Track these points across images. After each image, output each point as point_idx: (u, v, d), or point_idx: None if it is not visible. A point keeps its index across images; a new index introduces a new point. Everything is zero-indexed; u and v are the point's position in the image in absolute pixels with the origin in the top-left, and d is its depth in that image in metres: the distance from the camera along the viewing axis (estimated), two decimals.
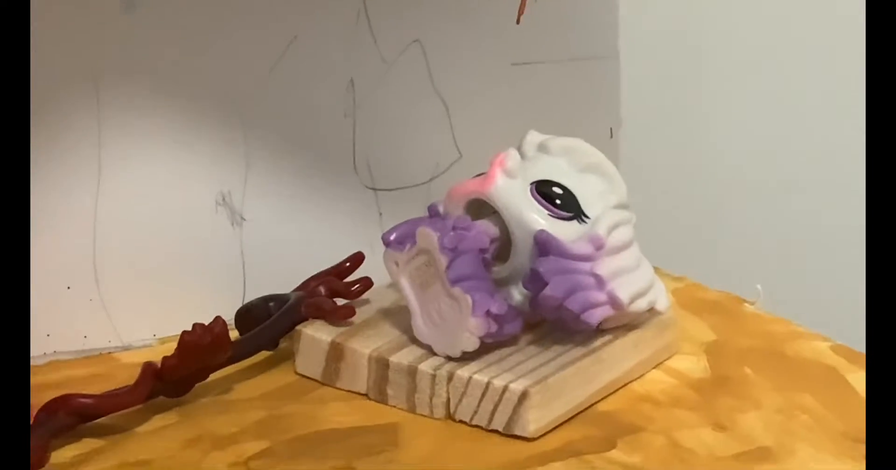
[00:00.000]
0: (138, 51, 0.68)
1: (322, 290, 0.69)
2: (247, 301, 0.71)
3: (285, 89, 0.72)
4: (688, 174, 0.96)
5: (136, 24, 0.67)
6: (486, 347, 0.62)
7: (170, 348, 0.62)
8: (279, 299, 0.69)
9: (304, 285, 0.70)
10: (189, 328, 0.61)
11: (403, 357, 0.63)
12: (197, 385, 0.64)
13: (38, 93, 0.65)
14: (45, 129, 0.66)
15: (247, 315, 0.69)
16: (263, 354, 0.68)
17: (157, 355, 0.62)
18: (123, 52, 0.68)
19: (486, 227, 0.64)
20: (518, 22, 0.78)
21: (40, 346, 0.68)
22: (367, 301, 0.69)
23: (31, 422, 0.59)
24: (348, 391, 0.65)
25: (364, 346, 0.64)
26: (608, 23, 0.82)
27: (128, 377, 0.62)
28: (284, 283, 0.71)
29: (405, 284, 0.64)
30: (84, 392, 0.60)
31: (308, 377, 0.66)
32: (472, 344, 0.61)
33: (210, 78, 0.70)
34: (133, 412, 0.62)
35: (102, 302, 0.70)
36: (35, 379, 0.63)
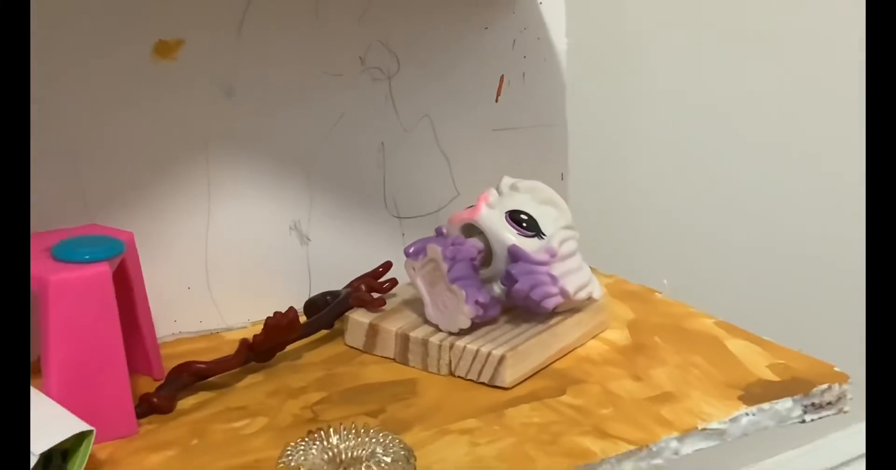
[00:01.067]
0: (236, 124, 0.68)
1: (363, 287, 0.69)
2: (311, 295, 0.71)
3: (336, 150, 0.72)
4: (616, 204, 0.96)
5: (234, 105, 0.68)
6: (476, 326, 0.63)
7: (258, 329, 0.62)
8: (334, 294, 0.69)
9: (350, 284, 0.70)
10: (272, 315, 0.62)
11: (419, 333, 0.63)
12: (277, 354, 0.64)
13: (164, 155, 0.66)
14: (171, 180, 0.67)
15: (311, 305, 0.69)
16: (323, 332, 0.68)
17: (249, 333, 0.63)
18: (225, 125, 0.68)
19: (475, 243, 0.64)
20: (496, 100, 0.78)
21: (170, 328, 0.68)
22: (394, 295, 0.69)
23: (164, 381, 0.60)
24: (381, 357, 0.65)
25: (392, 325, 0.64)
26: (558, 101, 0.80)
27: (230, 349, 0.62)
28: (337, 282, 0.71)
29: (419, 283, 0.64)
30: (200, 360, 0.61)
31: (354, 348, 0.66)
32: (465, 323, 0.62)
33: (285, 143, 0.70)
34: (233, 373, 0.62)
35: (212, 297, 0.70)
36: (165, 351, 0.64)
